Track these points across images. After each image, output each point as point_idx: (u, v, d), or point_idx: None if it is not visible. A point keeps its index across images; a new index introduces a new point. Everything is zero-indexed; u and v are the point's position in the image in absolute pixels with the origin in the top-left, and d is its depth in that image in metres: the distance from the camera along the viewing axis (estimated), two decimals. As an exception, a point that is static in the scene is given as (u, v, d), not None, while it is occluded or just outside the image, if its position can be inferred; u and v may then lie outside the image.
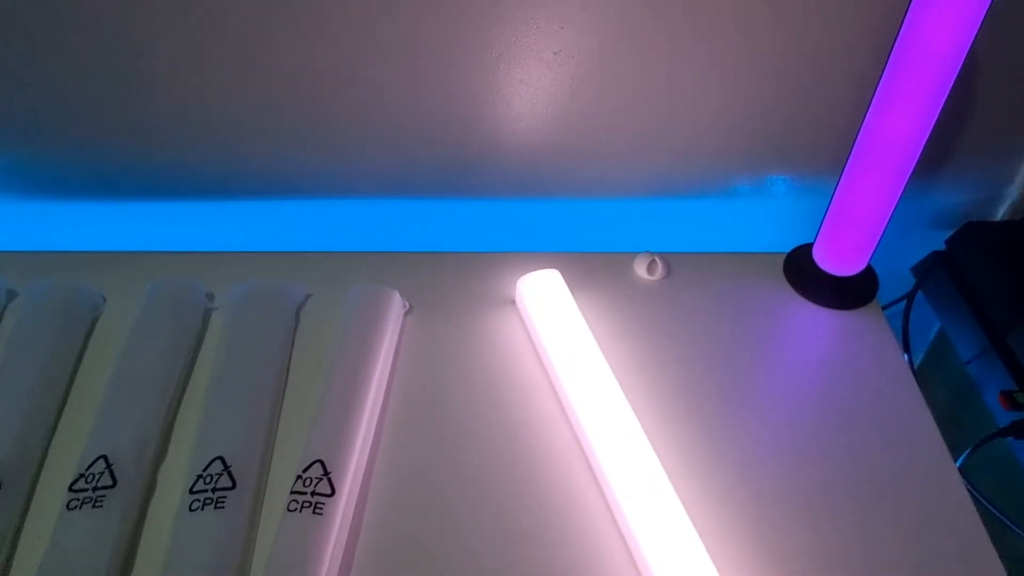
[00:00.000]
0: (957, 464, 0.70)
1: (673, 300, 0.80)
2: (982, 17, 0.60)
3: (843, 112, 0.80)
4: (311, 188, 0.88)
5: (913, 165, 0.70)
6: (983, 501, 0.73)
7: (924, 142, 0.68)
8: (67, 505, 0.58)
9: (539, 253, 0.82)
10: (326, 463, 0.61)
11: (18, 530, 0.60)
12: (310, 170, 0.86)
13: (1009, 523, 0.72)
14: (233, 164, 0.85)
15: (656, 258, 0.82)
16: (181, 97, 0.79)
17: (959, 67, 0.63)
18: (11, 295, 0.76)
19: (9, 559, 0.58)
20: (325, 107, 0.81)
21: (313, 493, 0.59)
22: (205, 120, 0.81)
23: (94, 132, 0.82)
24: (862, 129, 0.70)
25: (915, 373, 1.02)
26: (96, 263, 0.80)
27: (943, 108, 0.66)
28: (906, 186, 0.89)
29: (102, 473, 0.60)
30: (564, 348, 0.72)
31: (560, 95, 0.80)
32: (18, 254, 0.81)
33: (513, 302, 0.79)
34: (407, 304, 0.77)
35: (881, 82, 0.67)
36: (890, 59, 0.65)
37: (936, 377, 1.00)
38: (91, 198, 0.88)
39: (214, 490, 0.59)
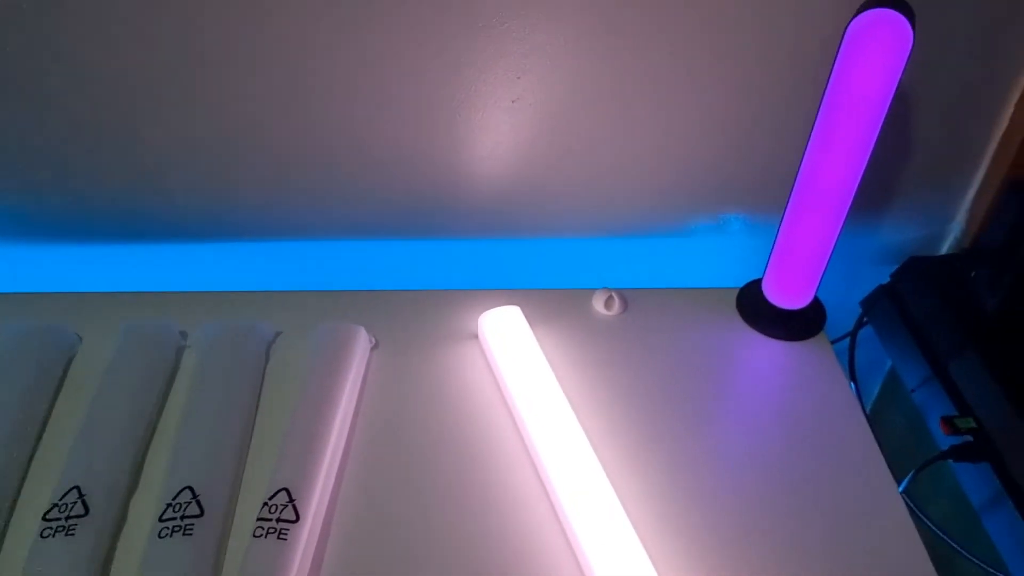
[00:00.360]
0: (900, 489, 0.73)
1: (630, 334, 0.84)
2: (903, 63, 0.65)
3: (787, 155, 0.85)
4: (281, 231, 0.91)
5: (848, 204, 0.74)
6: (926, 521, 0.76)
7: (857, 182, 0.72)
8: (40, 534, 0.61)
9: (501, 290, 0.86)
10: (291, 491, 0.63)
11: (-8, 560, 0.62)
12: (280, 215, 0.90)
13: (950, 542, 0.75)
14: (204, 211, 0.89)
15: (614, 294, 0.85)
16: (150, 145, 0.83)
17: (885, 110, 0.67)
18: (-12, 336, 0.79)
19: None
20: (295, 156, 0.84)
21: (278, 520, 0.61)
22: (175, 169, 0.85)
23: (64, 181, 0.86)
24: (800, 171, 0.74)
25: (870, 403, 1.06)
26: (71, 304, 0.83)
27: (884, 150, 0.71)
28: (855, 224, 0.93)
29: (75, 503, 0.62)
30: (524, 381, 0.75)
31: (520, 141, 0.85)
32: (-4, 296, 0.84)
33: (475, 337, 0.82)
34: (373, 339, 0.80)
35: (815, 126, 0.71)
36: (822, 104, 0.69)
37: (892, 409, 1.04)
38: (64, 242, 0.91)
39: (183, 518, 0.62)
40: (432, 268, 0.96)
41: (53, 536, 0.60)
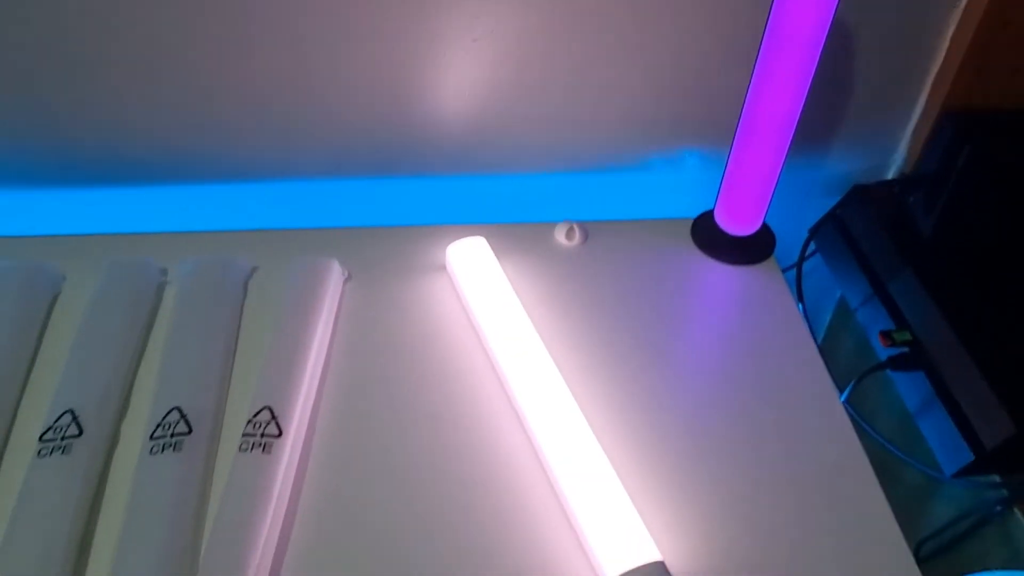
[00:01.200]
0: (842, 398, 0.79)
1: (590, 263, 0.88)
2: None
3: (738, 91, 0.89)
4: (255, 171, 0.95)
5: (792, 132, 0.78)
6: (868, 429, 0.82)
7: (799, 110, 0.77)
8: (38, 453, 0.65)
9: (467, 225, 0.90)
10: (273, 409, 0.68)
11: (-8, 479, 0.66)
12: (253, 155, 0.93)
13: (889, 446, 0.81)
14: (181, 152, 0.92)
15: (574, 226, 0.90)
16: (127, 86, 0.85)
17: (821, 43, 0.72)
18: (-25, 277, 0.82)
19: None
20: (264, 97, 0.87)
21: (263, 435, 0.66)
22: (152, 110, 0.88)
23: (49, 124, 0.88)
24: (745, 104, 0.79)
25: (822, 331, 1.12)
26: (54, 245, 0.86)
27: (825, 83, 0.75)
28: (803, 156, 0.98)
29: (69, 425, 0.66)
30: (490, 307, 0.79)
31: (481, 80, 0.88)
32: (-21, 239, 0.87)
33: (443, 268, 0.86)
34: (346, 272, 0.84)
35: (757, 60, 0.75)
36: (763, 38, 0.74)
37: (841, 334, 1.09)
38: (43, 187, 0.94)
39: (172, 435, 0.66)
40: (400, 205, 0.99)
41: (50, 455, 0.64)
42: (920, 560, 0.66)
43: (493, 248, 0.85)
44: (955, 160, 0.88)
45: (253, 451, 0.65)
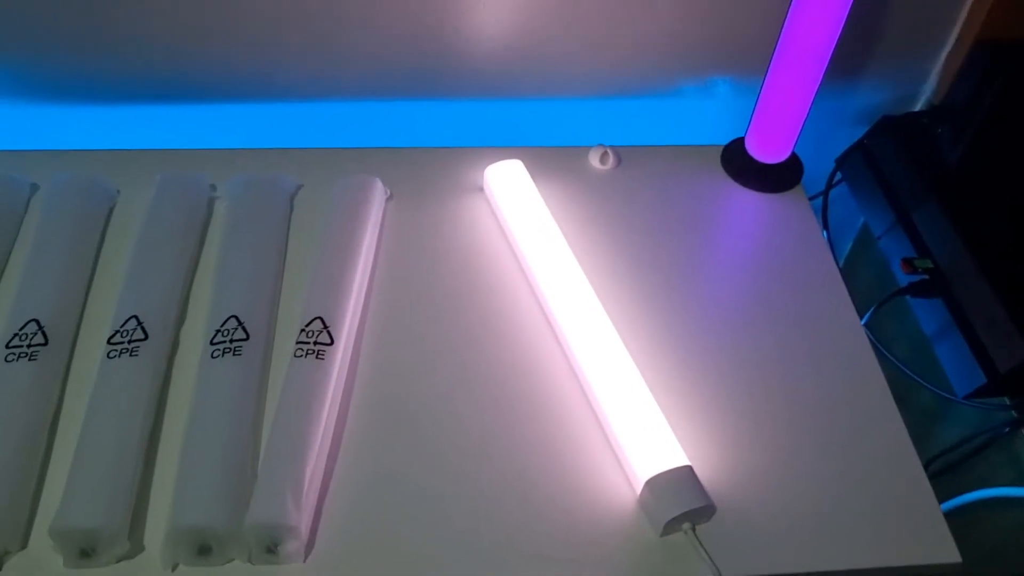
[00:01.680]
0: (863, 321, 0.82)
1: (623, 187, 0.91)
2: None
3: (770, 18, 0.90)
4: (300, 92, 0.97)
5: (827, 58, 0.80)
6: (887, 354, 0.86)
7: (835, 41, 0.78)
8: (107, 355, 0.69)
9: (504, 147, 0.93)
10: (325, 319, 0.72)
11: (64, 379, 0.71)
12: (299, 76, 0.95)
13: (906, 370, 0.85)
14: (229, 71, 0.94)
15: (608, 150, 0.92)
16: (173, 8, 0.87)
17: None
18: (34, 188, 0.85)
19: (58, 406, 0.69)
20: (311, 15, 0.89)
21: (315, 343, 0.70)
22: (203, 29, 0.90)
23: (109, 43, 0.90)
24: (782, 32, 0.80)
25: (843, 258, 1.14)
26: (108, 160, 0.89)
27: (860, 11, 0.76)
28: (834, 86, 0.99)
29: (135, 329, 0.70)
30: (526, 227, 0.83)
31: (520, 4, 0.90)
32: (35, 153, 0.90)
33: (481, 189, 0.89)
34: (388, 191, 0.87)
35: (797, -13, 0.77)
36: (804, -34, 0.75)
37: (862, 262, 1.12)
38: (104, 102, 0.97)
39: (231, 341, 0.70)
40: (438, 127, 1.02)
41: (119, 356, 0.69)
42: (930, 476, 0.70)
43: (529, 170, 0.88)
44: (985, 91, 0.90)
45: (307, 358, 0.69)
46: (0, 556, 0.60)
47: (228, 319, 0.72)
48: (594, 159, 0.92)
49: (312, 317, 0.72)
